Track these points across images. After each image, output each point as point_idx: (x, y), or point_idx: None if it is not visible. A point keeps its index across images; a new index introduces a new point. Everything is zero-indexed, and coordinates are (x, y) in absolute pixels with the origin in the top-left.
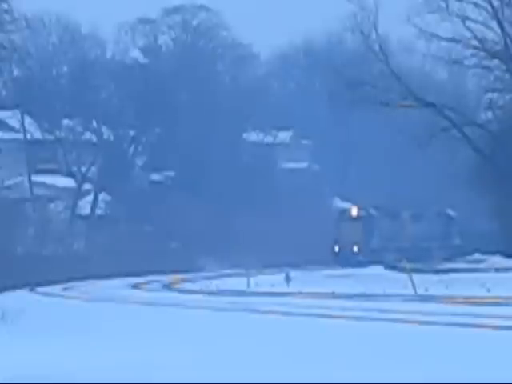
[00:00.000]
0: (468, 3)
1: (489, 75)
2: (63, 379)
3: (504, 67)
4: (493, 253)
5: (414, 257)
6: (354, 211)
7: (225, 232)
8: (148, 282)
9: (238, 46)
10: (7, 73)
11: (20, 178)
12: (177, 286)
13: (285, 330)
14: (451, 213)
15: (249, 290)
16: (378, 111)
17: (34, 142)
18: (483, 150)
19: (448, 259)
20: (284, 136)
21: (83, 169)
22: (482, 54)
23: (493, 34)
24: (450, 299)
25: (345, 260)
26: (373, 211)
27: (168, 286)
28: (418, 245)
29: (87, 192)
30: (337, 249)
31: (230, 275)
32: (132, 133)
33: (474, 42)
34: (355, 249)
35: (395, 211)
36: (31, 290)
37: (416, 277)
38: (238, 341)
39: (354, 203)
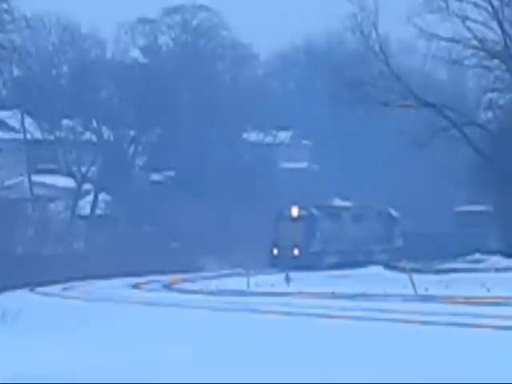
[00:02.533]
0: (468, 3)
1: (489, 75)
2: (63, 379)
3: (504, 67)
4: (493, 253)
5: (355, 260)
6: (295, 211)
7: (225, 232)
8: (148, 282)
9: (238, 46)
10: (7, 73)
11: (20, 178)
12: (177, 285)
13: (285, 330)
14: (393, 212)
15: (249, 290)
16: (378, 111)
17: (34, 142)
18: (483, 150)
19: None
20: (284, 136)
21: (83, 169)
22: (482, 53)
23: (493, 34)
24: (450, 299)
25: (284, 263)
26: (314, 211)
27: (168, 286)
28: (359, 247)
29: (87, 192)
30: (276, 252)
31: (229, 275)
32: (132, 133)
33: (474, 42)
34: (296, 252)
35: (336, 211)
36: (31, 290)
37: (416, 277)
38: (238, 341)
39: (354, 203)
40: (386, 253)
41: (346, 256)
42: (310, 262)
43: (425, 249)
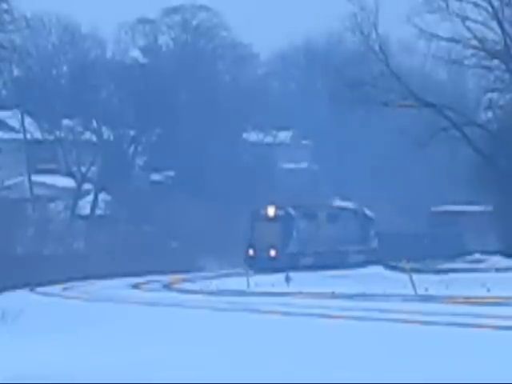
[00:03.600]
0: (468, 3)
1: (489, 75)
2: (63, 379)
3: (504, 67)
4: (493, 253)
5: (330, 263)
6: (271, 211)
7: (225, 232)
8: (148, 282)
9: (238, 46)
10: (7, 73)
11: (20, 178)
12: (177, 285)
13: (285, 329)
14: (369, 213)
15: (249, 290)
16: (378, 111)
17: (34, 142)
18: (483, 150)
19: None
20: (284, 136)
21: (83, 169)
22: (482, 53)
23: (493, 34)
24: (450, 299)
25: (260, 265)
26: (291, 211)
27: (168, 286)
28: (334, 248)
29: (87, 192)
30: (252, 252)
31: (229, 275)
32: (132, 133)
33: (474, 42)
34: (272, 253)
35: (312, 211)
36: (31, 290)
37: (416, 277)
38: (238, 341)
39: (354, 203)
40: (361, 254)
41: (321, 257)
42: (286, 264)
43: (400, 250)
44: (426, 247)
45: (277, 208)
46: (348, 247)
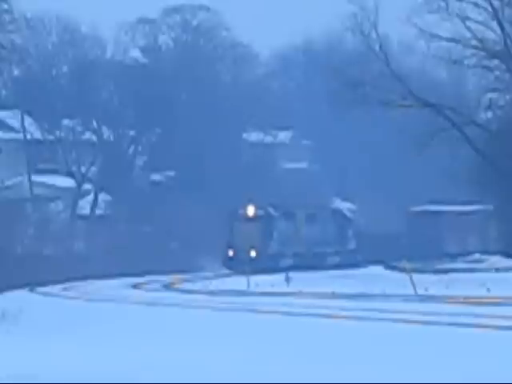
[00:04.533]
0: (468, 3)
1: (489, 75)
2: (63, 379)
3: (504, 67)
4: (493, 253)
5: (309, 264)
6: (251, 210)
7: (225, 232)
8: (148, 282)
9: (238, 46)
10: (7, 73)
11: (20, 178)
12: (177, 285)
13: (285, 330)
14: (347, 212)
15: (249, 290)
16: (378, 111)
17: (34, 142)
18: (483, 150)
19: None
20: (284, 136)
21: (83, 169)
22: (482, 53)
23: (493, 34)
24: (450, 299)
25: (240, 266)
26: (271, 210)
27: (168, 286)
28: (312, 250)
29: (87, 192)
30: (231, 253)
31: (229, 275)
32: (132, 133)
33: (474, 42)
34: (253, 253)
35: (291, 210)
36: (31, 290)
37: (416, 277)
38: (238, 341)
39: (354, 203)
40: (339, 255)
41: (300, 259)
42: (267, 265)
43: (378, 251)
44: (403, 248)
45: (256, 207)
46: (325, 248)
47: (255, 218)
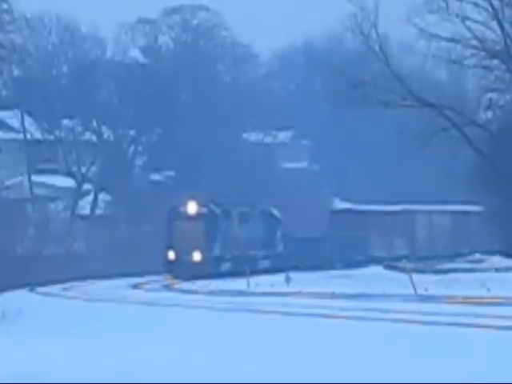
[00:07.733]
0: (468, 3)
1: (489, 75)
2: (62, 379)
3: (504, 67)
4: (493, 253)
5: (242, 269)
6: (192, 208)
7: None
8: (148, 282)
9: (238, 46)
10: (7, 73)
11: (20, 178)
12: (177, 286)
13: (285, 329)
14: (276, 213)
15: (249, 290)
16: (378, 111)
17: (34, 142)
18: (483, 150)
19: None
20: (284, 136)
21: (83, 169)
22: (482, 53)
23: (493, 34)
24: (450, 299)
25: (182, 271)
26: (215, 208)
27: (168, 286)
28: (245, 253)
29: (87, 192)
30: (172, 256)
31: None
32: (132, 133)
33: (474, 42)
34: (197, 256)
35: (229, 210)
36: (31, 290)
37: (416, 277)
38: (238, 341)
39: (354, 203)
40: (267, 259)
41: (237, 262)
42: (210, 269)
43: (303, 255)
44: (326, 252)
45: (199, 205)
46: (256, 251)
47: (197, 217)
